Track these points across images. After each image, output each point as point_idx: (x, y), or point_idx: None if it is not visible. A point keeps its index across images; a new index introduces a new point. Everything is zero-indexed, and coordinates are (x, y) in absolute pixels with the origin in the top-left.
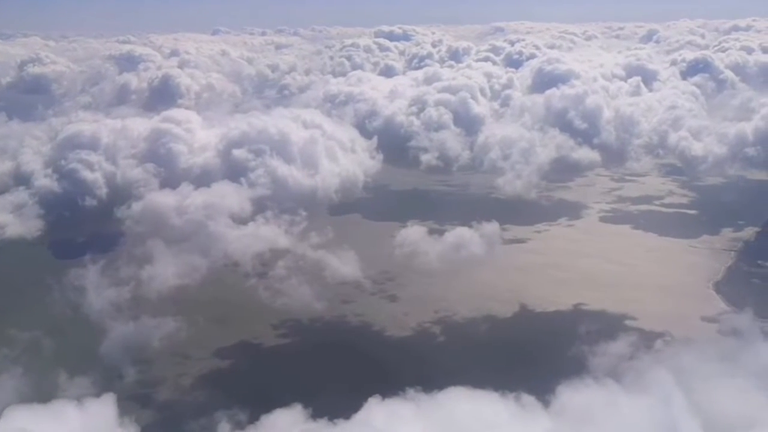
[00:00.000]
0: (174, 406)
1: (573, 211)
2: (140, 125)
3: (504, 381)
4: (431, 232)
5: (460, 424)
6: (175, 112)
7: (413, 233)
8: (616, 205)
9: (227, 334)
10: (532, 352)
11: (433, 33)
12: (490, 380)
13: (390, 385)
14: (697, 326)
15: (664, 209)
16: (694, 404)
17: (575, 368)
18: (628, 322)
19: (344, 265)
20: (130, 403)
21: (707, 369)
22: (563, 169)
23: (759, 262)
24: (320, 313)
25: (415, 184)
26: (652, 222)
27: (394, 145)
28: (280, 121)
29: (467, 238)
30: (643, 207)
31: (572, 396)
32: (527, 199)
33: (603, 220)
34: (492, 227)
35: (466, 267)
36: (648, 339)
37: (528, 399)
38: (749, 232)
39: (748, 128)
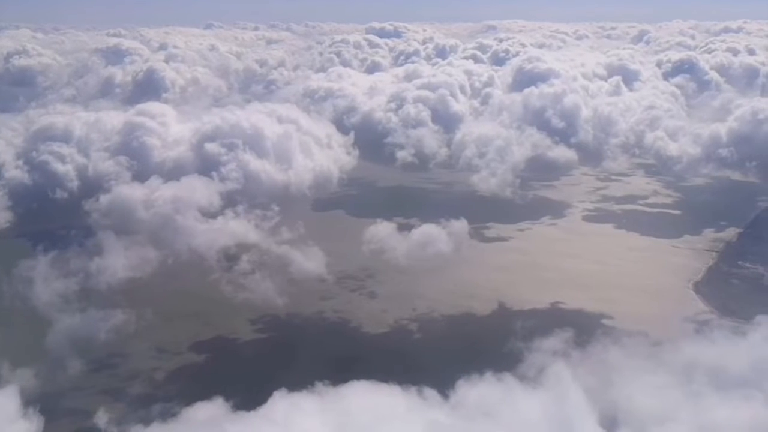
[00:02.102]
0: (145, 399)
1: (557, 210)
2: (114, 118)
3: (446, 374)
4: (414, 229)
5: (355, 416)
6: (149, 106)
7: (396, 230)
8: (600, 204)
9: (203, 329)
10: (493, 349)
11: (425, 30)
12: (437, 373)
13: (355, 379)
14: (672, 326)
15: (647, 209)
16: (613, 399)
17: (513, 364)
18: (604, 322)
19: (324, 261)
20: (103, 396)
21: (634, 366)
22: (545, 168)
23: (739, 263)
24: (298, 309)
25: (400, 181)
26: (635, 222)
27: (371, 141)
28: (254, 116)
29: (449, 235)
30: (627, 206)
31: (470, 390)
32: (511, 197)
33: (586, 219)
34: (474, 225)
35: (447, 265)
36: (613, 338)
37: (430, 392)
38: (731, 232)
39: (722, 129)
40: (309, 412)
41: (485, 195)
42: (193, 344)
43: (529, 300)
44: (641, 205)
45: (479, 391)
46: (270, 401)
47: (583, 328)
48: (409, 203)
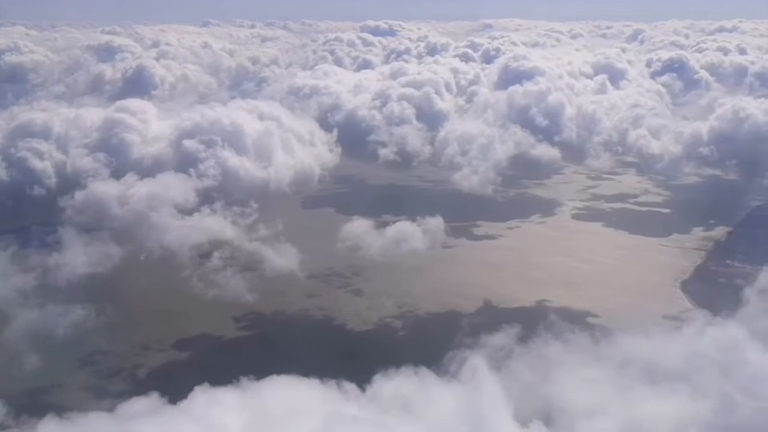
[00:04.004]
0: (124, 396)
1: (547, 208)
2: (94, 115)
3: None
4: (410, 227)
5: (268, 410)
6: (130, 102)
7: (384, 228)
8: (590, 202)
9: (187, 326)
10: (466, 345)
11: (419, 29)
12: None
13: (330, 375)
14: (657, 324)
15: (637, 207)
16: (546, 393)
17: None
18: (589, 320)
19: (311, 258)
20: (83, 393)
21: (573, 360)
22: (529, 166)
23: (728, 261)
24: (284, 306)
25: (390, 179)
26: (624, 220)
27: (354, 138)
28: (234, 113)
29: (437, 233)
30: (617, 205)
31: (385, 384)
32: (501, 195)
33: (575, 217)
34: (463, 223)
35: (435, 262)
36: (592, 335)
37: (349, 386)
38: (720, 231)
39: (702, 128)
40: (227, 406)
41: (475, 193)
42: (177, 341)
43: (515, 298)
44: (631, 203)
45: (396, 385)
46: (191, 396)
47: (565, 326)
48: (398, 201)
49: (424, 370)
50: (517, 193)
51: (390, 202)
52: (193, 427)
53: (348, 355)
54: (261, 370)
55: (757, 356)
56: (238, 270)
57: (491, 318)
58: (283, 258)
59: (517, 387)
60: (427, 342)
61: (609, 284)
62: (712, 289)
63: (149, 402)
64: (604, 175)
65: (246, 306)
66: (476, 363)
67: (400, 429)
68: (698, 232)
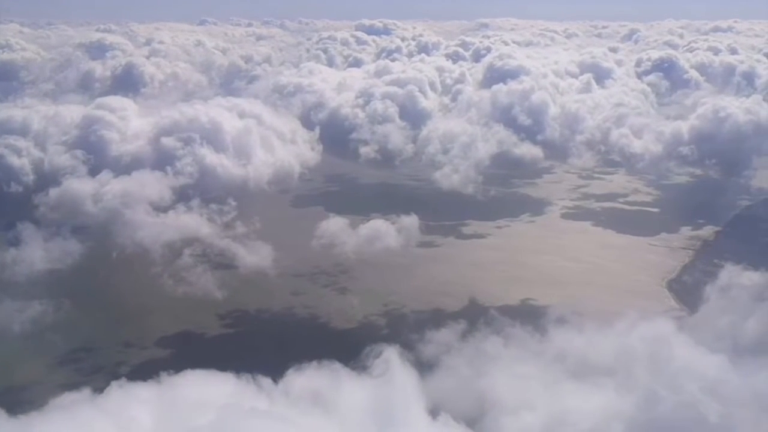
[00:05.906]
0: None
1: (536, 207)
2: (74, 112)
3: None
4: (390, 226)
5: (178, 402)
6: (110, 99)
7: (371, 227)
8: (580, 202)
9: (171, 323)
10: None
11: (414, 27)
12: None
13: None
14: (639, 323)
15: (626, 207)
16: (479, 387)
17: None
18: (572, 318)
19: (297, 256)
20: (62, 390)
21: (510, 355)
22: (516, 165)
23: (715, 261)
24: (269, 304)
25: (381, 178)
26: (613, 219)
27: (337, 137)
28: (213, 111)
29: (426, 232)
30: (606, 204)
31: (298, 378)
32: (487, 194)
33: (565, 216)
34: (453, 222)
35: (423, 261)
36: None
37: (264, 380)
38: (708, 231)
39: (683, 127)
40: (141, 400)
41: (464, 192)
42: (160, 339)
43: (500, 296)
44: (620, 203)
45: (310, 379)
46: (107, 391)
47: (543, 325)
48: (388, 200)
49: (337, 364)
50: (508, 192)
51: (379, 201)
52: (102, 420)
53: (325, 352)
54: (240, 367)
55: (684, 351)
56: (218, 267)
57: (475, 316)
58: (268, 256)
59: (464, 383)
60: (407, 340)
61: (595, 283)
62: (698, 289)
63: (80, 397)
64: (595, 175)
65: (230, 303)
66: (390, 356)
67: (302, 421)
68: (686, 231)
